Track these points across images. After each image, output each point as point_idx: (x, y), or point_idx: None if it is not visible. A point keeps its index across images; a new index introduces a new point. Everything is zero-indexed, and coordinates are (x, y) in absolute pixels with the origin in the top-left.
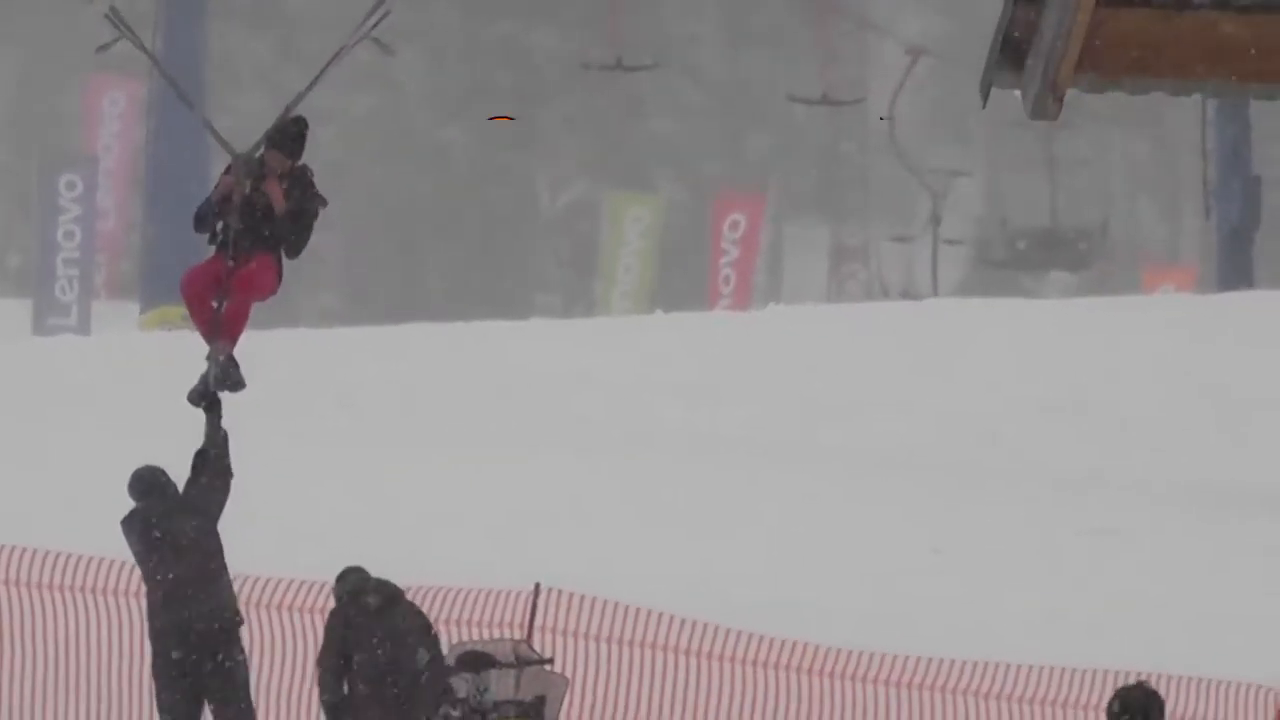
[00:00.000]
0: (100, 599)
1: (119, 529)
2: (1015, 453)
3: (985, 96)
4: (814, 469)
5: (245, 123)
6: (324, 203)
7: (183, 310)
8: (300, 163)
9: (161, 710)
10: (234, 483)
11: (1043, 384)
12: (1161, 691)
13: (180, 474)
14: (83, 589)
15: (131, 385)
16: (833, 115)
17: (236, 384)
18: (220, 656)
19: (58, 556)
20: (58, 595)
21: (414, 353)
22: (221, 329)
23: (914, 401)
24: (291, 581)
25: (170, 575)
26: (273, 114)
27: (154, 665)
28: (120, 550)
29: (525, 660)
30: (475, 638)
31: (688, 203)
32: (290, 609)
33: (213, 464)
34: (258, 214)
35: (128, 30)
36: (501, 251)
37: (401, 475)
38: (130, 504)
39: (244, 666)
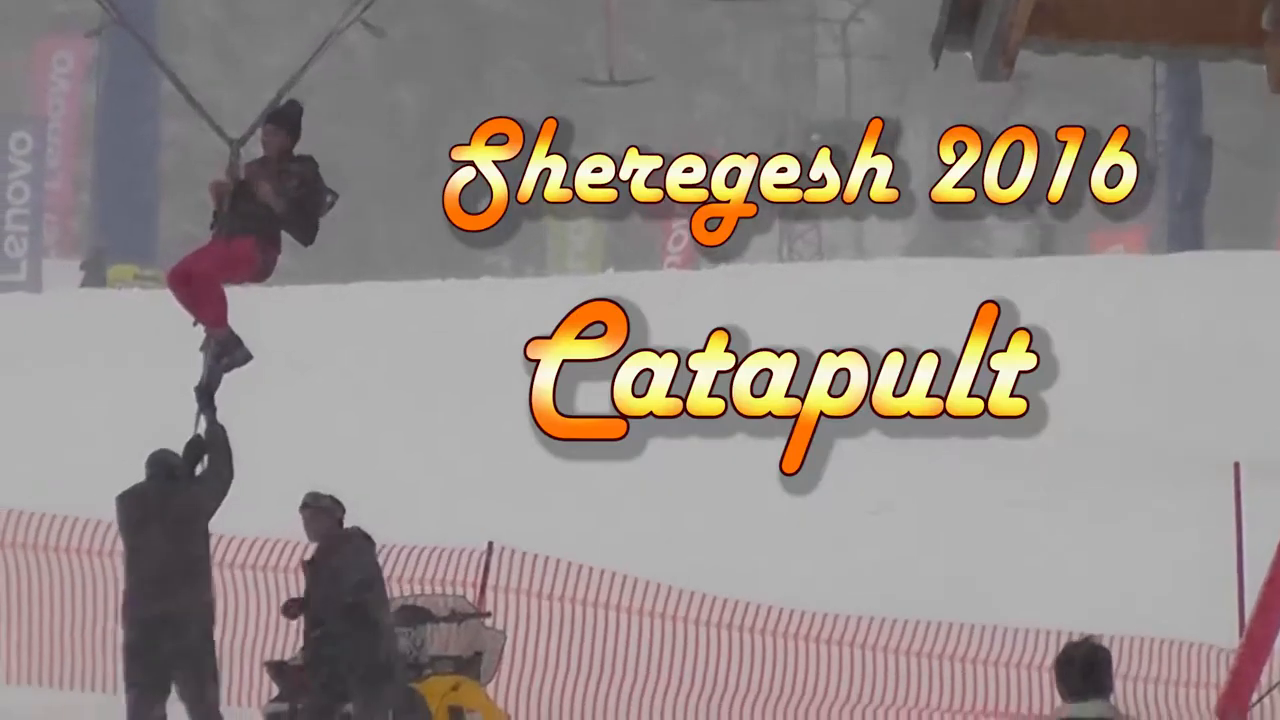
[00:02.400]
0: (49, 556)
1: (114, 502)
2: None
3: (936, 59)
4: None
5: (193, 81)
6: (334, 195)
7: (135, 268)
8: (307, 155)
9: (129, 684)
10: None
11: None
12: (1111, 650)
13: (125, 434)
14: (34, 547)
15: (83, 343)
16: (784, 74)
17: (237, 360)
18: (190, 642)
19: (19, 515)
20: (13, 554)
21: (364, 312)
22: (197, 311)
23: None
24: (245, 540)
25: (152, 563)
26: (221, 73)
27: (124, 643)
28: (75, 509)
29: (462, 615)
30: (427, 594)
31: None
32: (246, 567)
33: (215, 454)
34: (251, 197)
35: None
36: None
37: (351, 435)
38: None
39: (213, 653)
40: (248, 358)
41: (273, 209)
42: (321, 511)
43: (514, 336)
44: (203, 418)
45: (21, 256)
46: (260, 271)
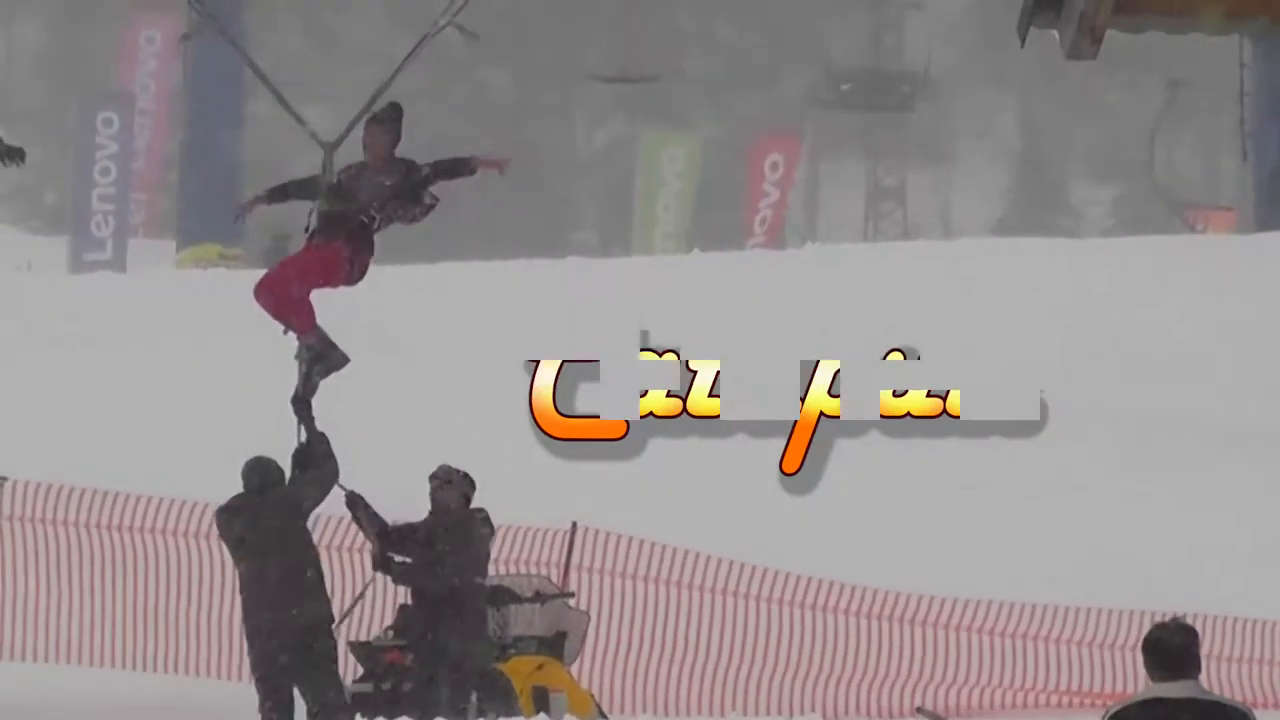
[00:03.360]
0: (148, 538)
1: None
2: (1049, 393)
3: (1023, 37)
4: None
5: (284, 61)
6: (433, 199)
7: (219, 248)
8: (409, 159)
9: (261, 704)
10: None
11: (1079, 323)
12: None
13: (212, 406)
14: (128, 529)
15: (168, 323)
16: (867, 55)
17: (333, 364)
18: (308, 654)
19: (118, 496)
20: (101, 534)
21: (450, 291)
22: (283, 319)
23: (946, 340)
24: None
25: (254, 575)
26: (311, 54)
27: (252, 662)
28: (166, 489)
29: (545, 595)
30: (511, 575)
31: (725, 141)
32: (338, 549)
33: (315, 463)
34: (344, 200)
35: None
36: (538, 189)
37: (439, 414)
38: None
39: (332, 657)
40: (344, 361)
41: (365, 212)
42: (452, 486)
43: (601, 316)
44: (303, 428)
45: (108, 235)
46: (351, 276)
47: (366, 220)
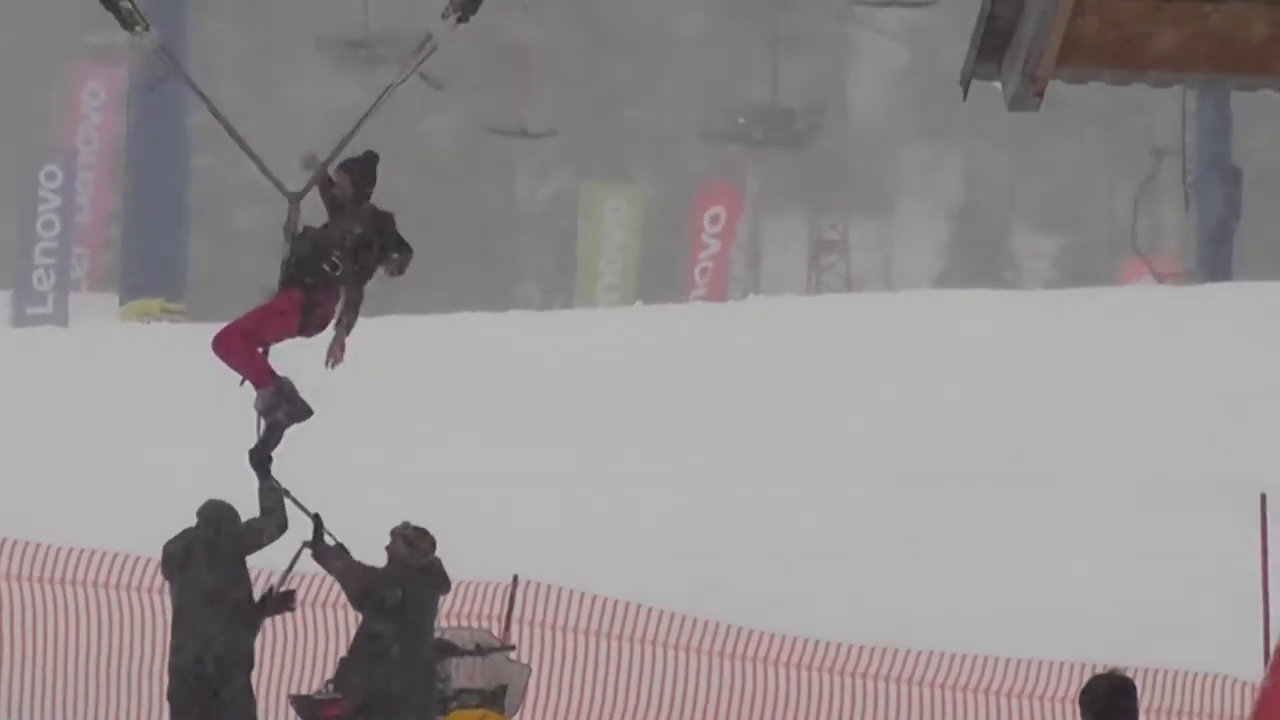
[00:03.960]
0: (76, 590)
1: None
2: (989, 444)
3: (966, 89)
4: (795, 459)
5: (229, 113)
6: (407, 251)
7: (162, 302)
8: (384, 210)
9: None
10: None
11: (1018, 375)
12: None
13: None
14: (65, 581)
15: (112, 377)
16: (811, 112)
17: (294, 416)
18: (231, 693)
19: (48, 550)
20: (42, 589)
21: (391, 346)
22: (238, 370)
23: (891, 391)
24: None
25: (194, 615)
26: (252, 105)
27: (169, 690)
28: (100, 542)
29: (486, 649)
30: (453, 628)
31: (667, 195)
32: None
33: (264, 513)
34: (308, 249)
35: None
36: (480, 242)
37: (377, 468)
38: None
39: (252, 704)
40: (305, 414)
41: (327, 259)
42: (409, 542)
43: (542, 371)
44: (258, 479)
45: (49, 289)
46: (307, 327)
47: (329, 268)
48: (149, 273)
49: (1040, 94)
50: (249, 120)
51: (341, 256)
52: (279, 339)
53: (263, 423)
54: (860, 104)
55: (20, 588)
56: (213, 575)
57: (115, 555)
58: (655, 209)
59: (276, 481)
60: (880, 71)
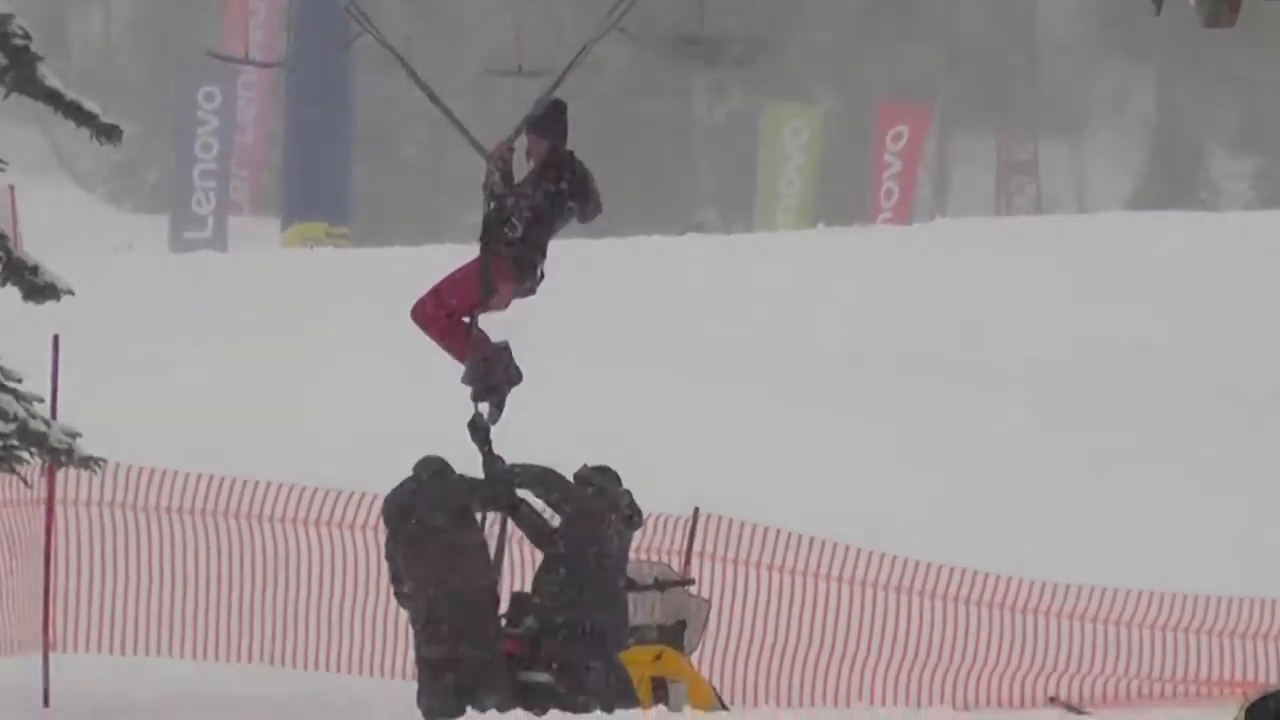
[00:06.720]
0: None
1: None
2: (1180, 369)
3: (1159, 4)
4: (977, 387)
5: (390, 37)
6: (592, 208)
7: (326, 226)
8: (579, 162)
9: (423, 712)
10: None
11: (1215, 297)
12: None
13: (326, 393)
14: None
15: (273, 304)
16: (999, 23)
17: (504, 381)
18: (483, 681)
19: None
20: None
21: (564, 271)
22: (440, 342)
23: (1082, 316)
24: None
25: (432, 586)
26: (413, 21)
27: (418, 677)
28: (283, 475)
29: (666, 583)
30: (632, 561)
31: (848, 114)
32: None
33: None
34: (497, 215)
35: None
36: (657, 165)
37: (557, 395)
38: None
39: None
40: (511, 380)
41: (508, 223)
42: (590, 482)
43: (720, 296)
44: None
45: (208, 213)
46: (486, 299)
47: (510, 231)
48: (312, 196)
49: (1236, 9)
50: (418, 40)
51: (521, 219)
52: (469, 306)
53: (474, 393)
54: (1050, 19)
55: (190, 520)
56: (444, 535)
57: (291, 488)
58: (836, 127)
59: (499, 461)
60: None
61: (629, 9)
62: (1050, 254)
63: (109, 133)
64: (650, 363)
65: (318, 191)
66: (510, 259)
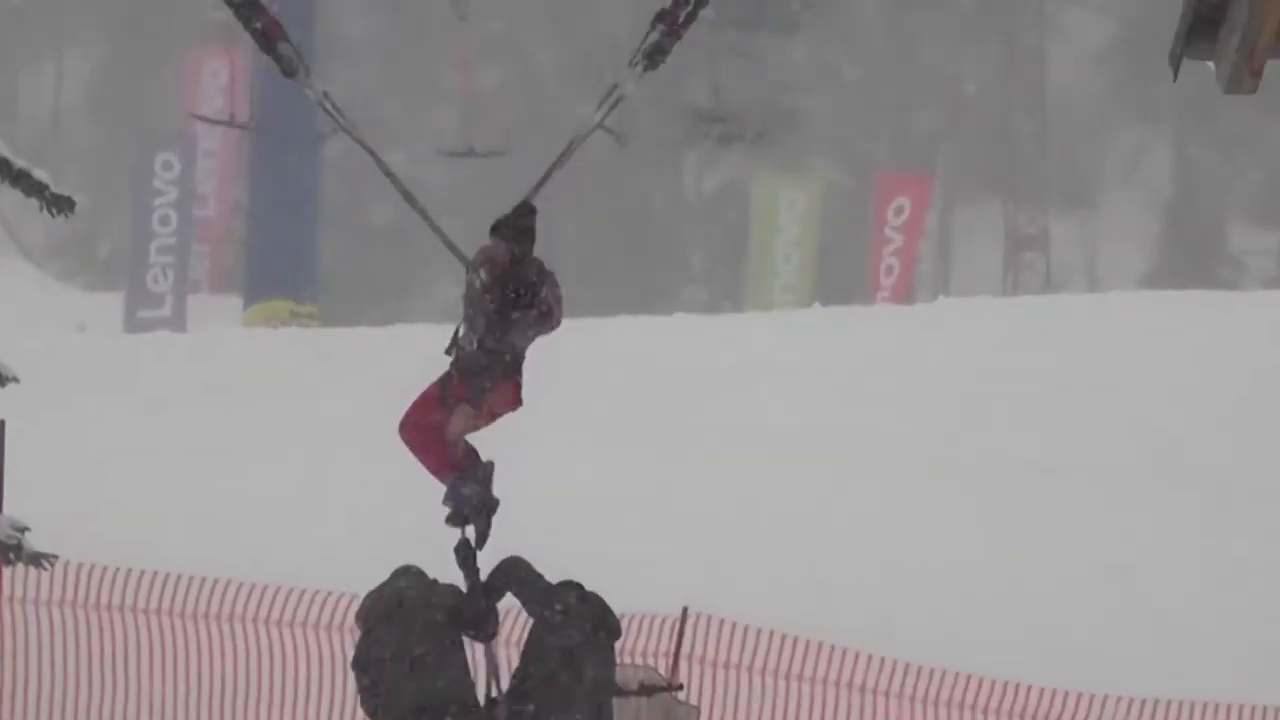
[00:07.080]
0: (209, 624)
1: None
2: (1202, 462)
3: (1176, 69)
4: (980, 479)
5: (354, 95)
6: (546, 323)
7: (291, 305)
8: (546, 272)
9: None
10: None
11: (1238, 384)
12: None
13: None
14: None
15: (234, 387)
16: (1005, 86)
17: (478, 509)
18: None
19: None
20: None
21: (549, 351)
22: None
23: (1094, 405)
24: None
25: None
26: (380, 86)
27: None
28: (215, 570)
29: (651, 688)
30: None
31: (847, 185)
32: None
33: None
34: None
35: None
36: (644, 240)
37: (535, 477)
38: None
39: None
40: (487, 507)
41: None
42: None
43: (708, 379)
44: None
45: (166, 290)
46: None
47: (465, 345)
48: (276, 271)
49: (1258, 74)
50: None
51: (475, 329)
52: (439, 423)
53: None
54: (1060, 82)
55: (135, 619)
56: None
57: (230, 583)
58: (834, 199)
59: (481, 583)
60: (1082, 48)
61: (614, 108)
62: (1059, 336)
63: (60, 204)
64: (634, 450)
65: (283, 266)
66: (465, 376)
